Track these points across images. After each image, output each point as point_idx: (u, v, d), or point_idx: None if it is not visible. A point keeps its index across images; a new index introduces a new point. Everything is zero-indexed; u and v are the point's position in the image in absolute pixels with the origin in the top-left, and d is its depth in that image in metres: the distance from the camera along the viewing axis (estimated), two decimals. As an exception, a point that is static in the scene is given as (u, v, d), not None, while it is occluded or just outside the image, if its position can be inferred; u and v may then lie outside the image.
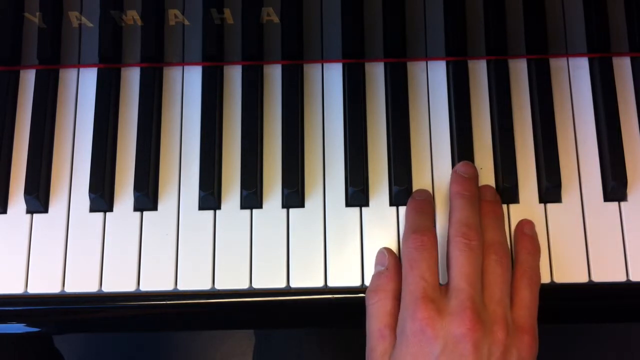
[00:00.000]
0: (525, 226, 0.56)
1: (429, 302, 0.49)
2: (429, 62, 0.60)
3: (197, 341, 1.20)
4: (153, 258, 0.56)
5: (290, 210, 0.57)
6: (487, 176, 0.57)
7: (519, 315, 0.51)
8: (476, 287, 0.50)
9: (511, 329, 0.50)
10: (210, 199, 0.57)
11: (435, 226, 0.56)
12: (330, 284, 0.55)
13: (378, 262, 0.55)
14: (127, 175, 0.58)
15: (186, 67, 0.61)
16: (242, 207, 0.57)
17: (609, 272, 0.55)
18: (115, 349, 1.18)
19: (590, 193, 0.57)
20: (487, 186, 0.57)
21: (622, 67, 0.60)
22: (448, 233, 0.53)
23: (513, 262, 0.54)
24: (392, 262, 0.54)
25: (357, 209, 0.57)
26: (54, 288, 0.56)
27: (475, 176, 0.56)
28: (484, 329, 0.48)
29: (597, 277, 0.55)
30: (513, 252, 0.55)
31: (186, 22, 0.58)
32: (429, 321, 0.48)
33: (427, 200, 0.56)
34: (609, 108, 0.58)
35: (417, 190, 0.57)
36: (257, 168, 0.57)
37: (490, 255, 0.52)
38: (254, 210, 0.57)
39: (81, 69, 0.61)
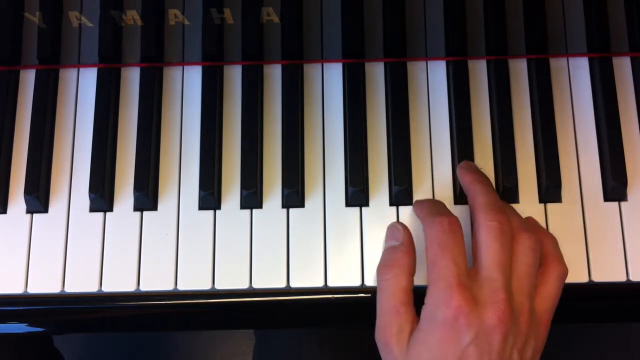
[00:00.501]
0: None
1: (464, 289, 0.47)
2: (429, 62, 0.60)
3: (197, 341, 1.20)
4: (153, 258, 0.56)
5: (290, 210, 0.57)
6: (487, 176, 0.57)
7: (542, 308, 0.50)
8: (508, 275, 0.49)
9: (533, 320, 0.49)
10: (210, 198, 0.57)
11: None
12: (330, 284, 0.55)
13: (391, 237, 0.54)
14: (127, 175, 0.58)
15: (186, 67, 0.61)
16: (242, 207, 0.57)
17: (609, 272, 0.55)
18: (115, 349, 1.18)
19: (590, 193, 0.57)
20: None
21: (622, 67, 0.60)
22: (474, 219, 0.51)
23: None
24: (407, 237, 0.53)
25: (357, 208, 0.57)
26: (54, 288, 0.56)
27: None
28: (513, 320, 0.48)
29: (597, 277, 0.55)
30: None
31: (186, 22, 0.58)
32: (465, 309, 0.47)
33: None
34: (609, 108, 0.58)
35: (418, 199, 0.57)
36: (257, 168, 0.57)
37: (523, 241, 0.50)
38: (254, 210, 0.57)
39: (81, 69, 0.61)
